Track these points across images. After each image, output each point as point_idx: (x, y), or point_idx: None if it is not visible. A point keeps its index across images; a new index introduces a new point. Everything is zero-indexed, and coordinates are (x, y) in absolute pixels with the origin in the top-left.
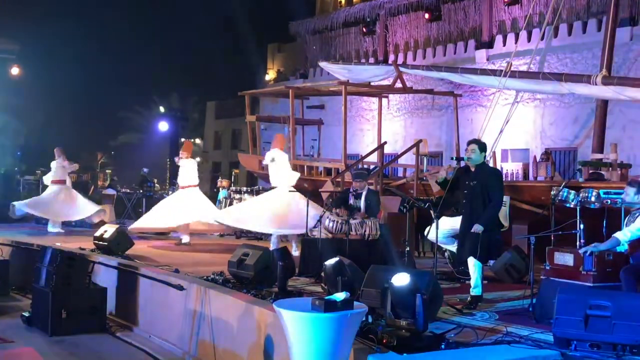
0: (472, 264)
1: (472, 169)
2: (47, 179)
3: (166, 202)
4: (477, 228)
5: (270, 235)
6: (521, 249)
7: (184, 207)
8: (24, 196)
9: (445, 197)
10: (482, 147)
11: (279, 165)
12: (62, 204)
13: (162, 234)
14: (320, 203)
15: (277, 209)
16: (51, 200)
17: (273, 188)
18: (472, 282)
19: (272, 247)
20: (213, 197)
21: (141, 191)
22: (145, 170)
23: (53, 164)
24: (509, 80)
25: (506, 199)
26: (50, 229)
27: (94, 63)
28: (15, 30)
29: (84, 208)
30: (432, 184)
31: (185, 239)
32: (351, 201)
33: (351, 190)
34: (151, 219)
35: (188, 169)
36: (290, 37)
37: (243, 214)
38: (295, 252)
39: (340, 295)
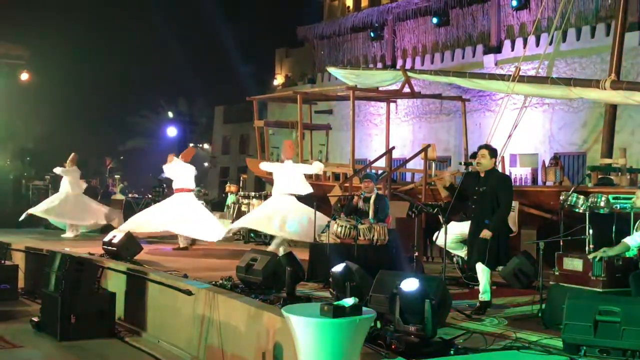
0: (481, 269)
1: (482, 174)
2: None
3: (163, 205)
4: (486, 234)
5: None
6: (530, 254)
7: (184, 215)
8: (33, 202)
9: (453, 203)
10: (493, 152)
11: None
12: (75, 207)
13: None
14: (328, 209)
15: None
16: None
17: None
18: (481, 288)
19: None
20: (221, 202)
21: (149, 196)
22: (163, 175)
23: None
24: (518, 85)
25: (515, 204)
26: (67, 234)
27: (103, 68)
28: (25, 36)
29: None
30: (439, 188)
31: (183, 243)
32: (360, 205)
33: (359, 194)
34: (145, 221)
35: (187, 172)
36: (298, 42)
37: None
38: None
39: (348, 301)
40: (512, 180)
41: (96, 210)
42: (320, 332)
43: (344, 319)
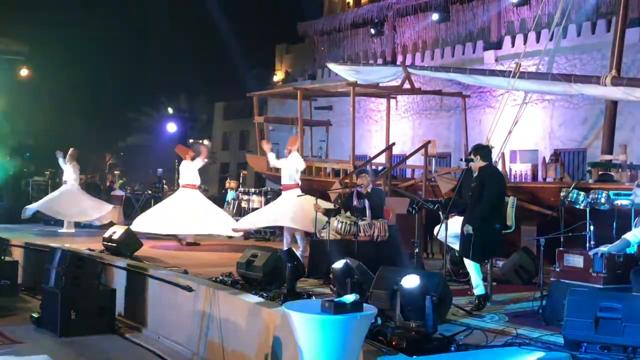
0: (467, 264)
1: (476, 171)
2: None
3: (171, 205)
4: (467, 229)
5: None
6: (530, 250)
7: (194, 214)
8: (33, 197)
9: (454, 199)
10: (483, 154)
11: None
12: (72, 203)
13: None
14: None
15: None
16: (64, 201)
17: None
18: (472, 282)
19: (284, 246)
20: (221, 198)
21: (149, 192)
22: (160, 170)
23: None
24: (518, 81)
25: (514, 200)
26: (64, 229)
27: (103, 64)
28: (24, 32)
29: (93, 209)
30: (441, 185)
31: (190, 237)
32: (355, 202)
33: (356, 189)
34: (157, 223)
35: (189, 169)
36: (299, 38)
37: (258, 214)
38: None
39: (349, 297)
40: (512, 177)
41: (91, 205)
42: (320, 328)
43: (345, 316)
